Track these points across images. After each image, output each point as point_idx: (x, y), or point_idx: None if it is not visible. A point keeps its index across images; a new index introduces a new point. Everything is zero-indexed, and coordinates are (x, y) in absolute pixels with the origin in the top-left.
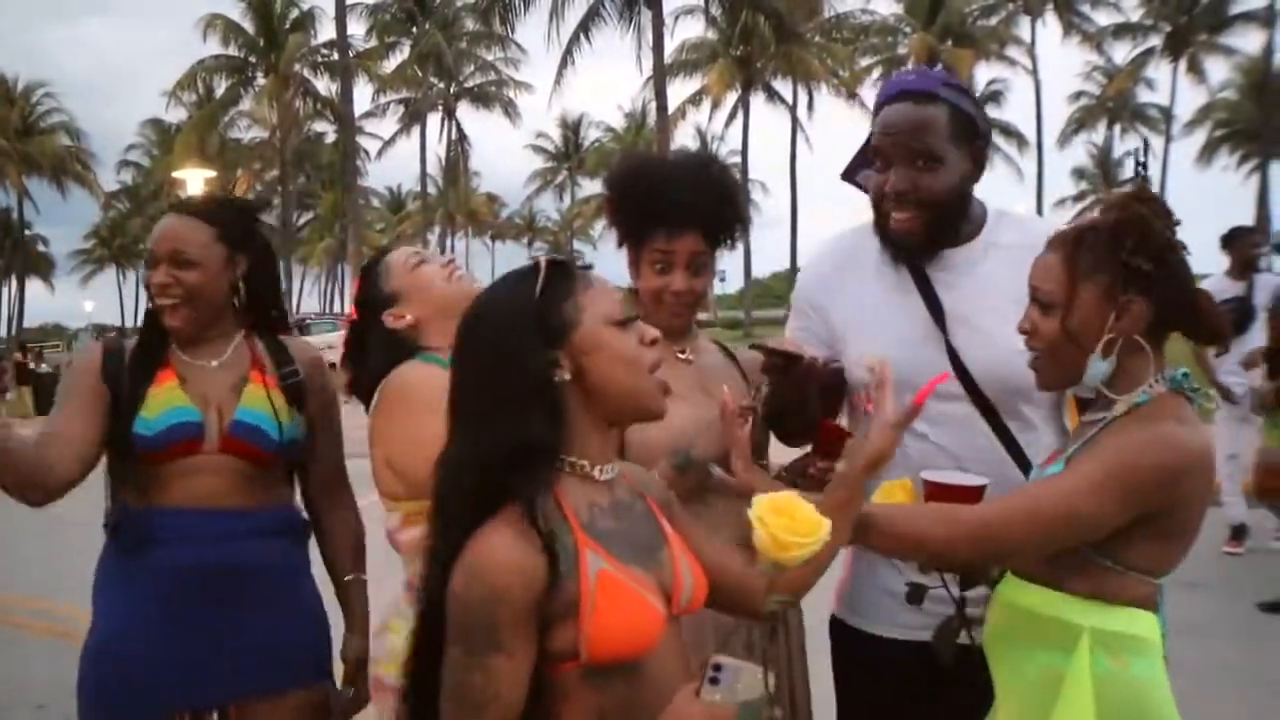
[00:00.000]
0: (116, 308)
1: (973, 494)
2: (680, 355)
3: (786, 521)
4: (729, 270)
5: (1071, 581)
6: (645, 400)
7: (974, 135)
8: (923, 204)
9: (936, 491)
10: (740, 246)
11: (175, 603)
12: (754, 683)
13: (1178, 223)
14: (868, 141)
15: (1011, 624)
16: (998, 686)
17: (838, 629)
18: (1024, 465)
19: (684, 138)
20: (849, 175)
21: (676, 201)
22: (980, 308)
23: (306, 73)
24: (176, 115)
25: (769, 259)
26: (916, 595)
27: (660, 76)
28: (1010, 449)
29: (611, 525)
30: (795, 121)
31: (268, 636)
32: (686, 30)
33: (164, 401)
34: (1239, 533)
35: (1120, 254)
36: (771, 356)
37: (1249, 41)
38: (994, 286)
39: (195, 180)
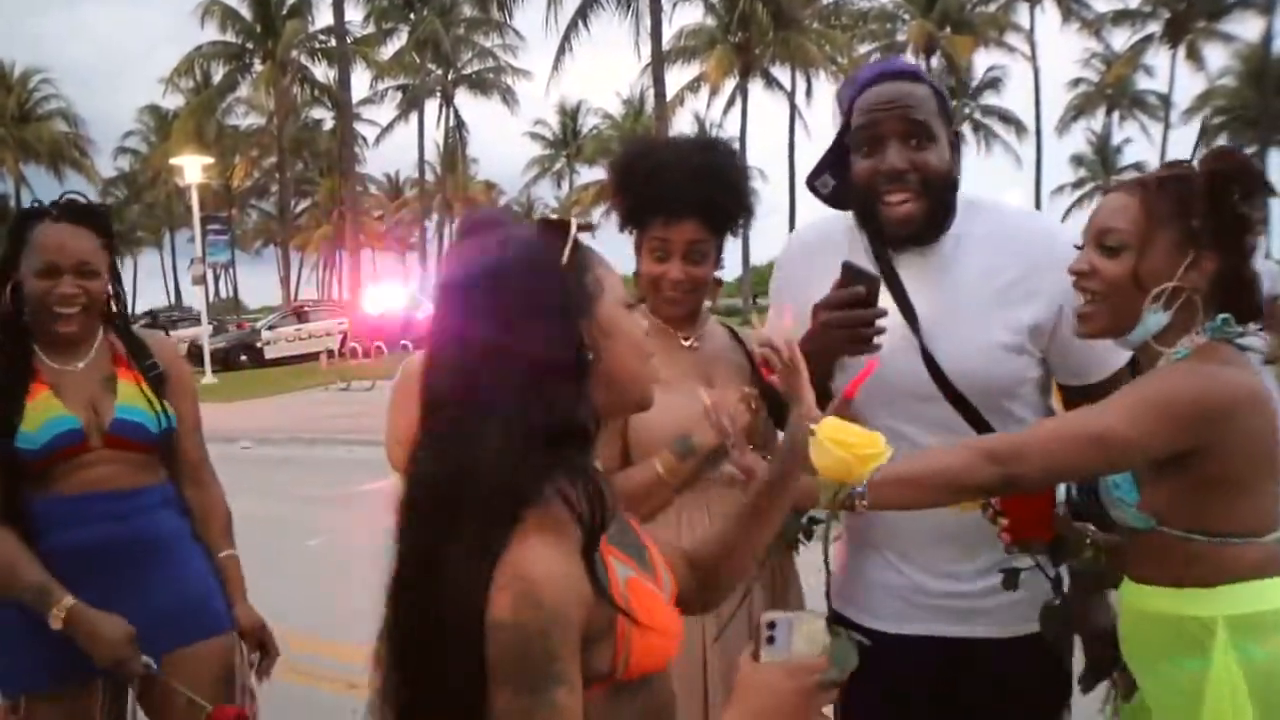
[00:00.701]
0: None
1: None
2: (685, 342)
3: (848, 438)
4: (727, 257)
5: (1183, 573)
6: (647, 390)
7: (950, 120)
8: (924, 183)
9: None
10: (740, 234)
11: (79, 580)
12: (815, 629)
13: (1275, 192)
14: (836, 142)
15: (1144, 632)
16: (1146, 698)
17: (835, 623)
18: None
19: (682, 124)
20: (814, 180)
21: (674, 189)
22: (954, 307)
23: (304, 59)
24: (174, 102)
25: (767, 246)
26: (1011, 580)
27: (658, 63)
28: None
29: (617, 529)
30: (793, 108)
31: (168, 597)
32: (684, 17)
33: (42, 413)
34: None
35: (1213, 203)
36: (856, 280)
37: (1248, 28)
38: (967, 283)
39: (193, 167)
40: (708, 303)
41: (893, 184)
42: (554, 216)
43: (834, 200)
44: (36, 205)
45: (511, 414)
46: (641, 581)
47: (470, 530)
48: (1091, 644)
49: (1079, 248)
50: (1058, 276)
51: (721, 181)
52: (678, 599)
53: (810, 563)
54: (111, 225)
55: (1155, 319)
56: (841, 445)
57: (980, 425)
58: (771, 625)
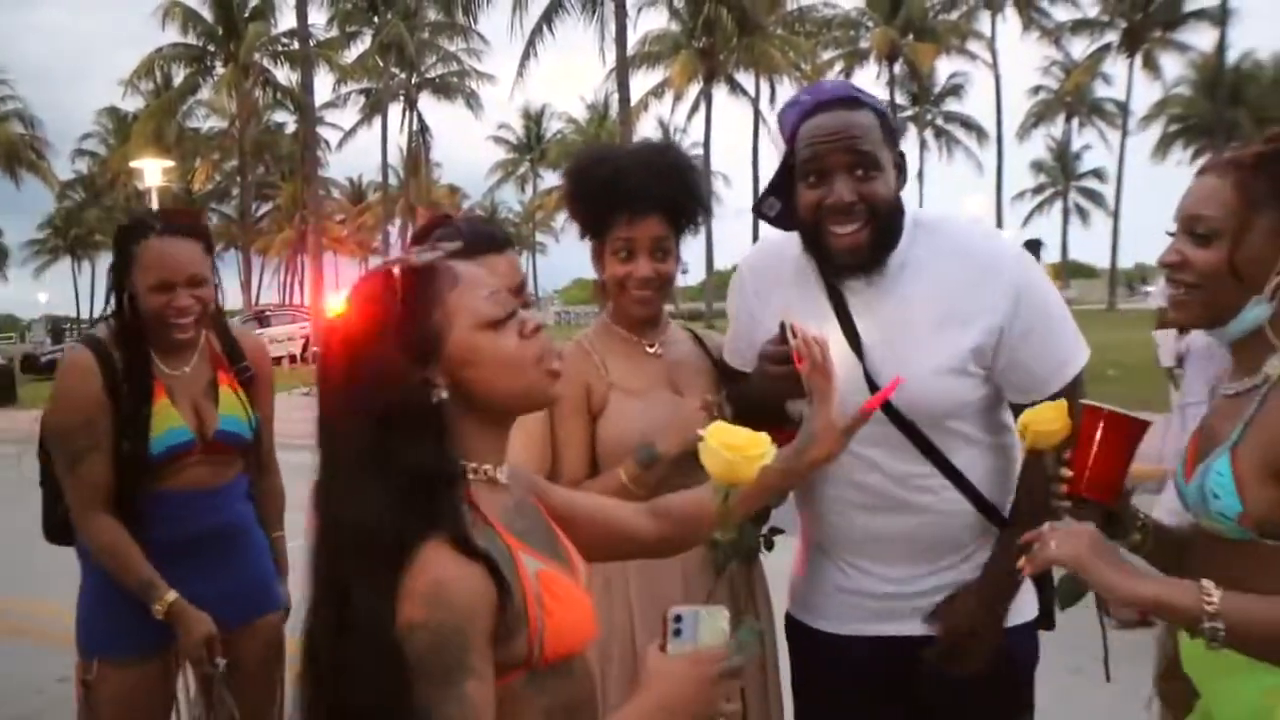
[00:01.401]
0: (71, 299)
1: (1141, 428)
2: (649, 349)
3: (735, 440)
4: (691, 262)
5: (1263, 580)
6: (534, 398)
7: (894, 142)
8: (870, 212)
9: (1112, 424)
10: (702, 238)
11: (174, 565)
12: (719, 622)
13: None
14: (782, 168)
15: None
16: (1213, 712)
17: (792, 628)
18: (963, 485)
19: (647, 129)
20: (761, 209)
21: (635, 187)
22: (897, 330)
23: (266, 62)
24: (133, 104)
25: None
26: (1067, 598)
27: (623, 68)
28: (945, 470)
29: (525, 524)
30: (757, 114)
31: (243, 578)
32: (649, 22)
33: (162, 421)
34: None
35: None
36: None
37: (1202, 38)
38: (911, 306)
39: (153, 170)
40: (669, 307)
41: (840, 215)
42: (398, 262)
43: (781, 222)
44: (139, 219)
45: (366, 482)
46: (552, 571)
47: (369, 563)
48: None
49: (1170, 235)
50: (999, 299)
51: (680, 178)
52: (643, 547)
53: (778, 570)
54: (210, 231)
55: (1259, 310)
56: (728, 448)
57: (924, 443)
58: (678, 619)
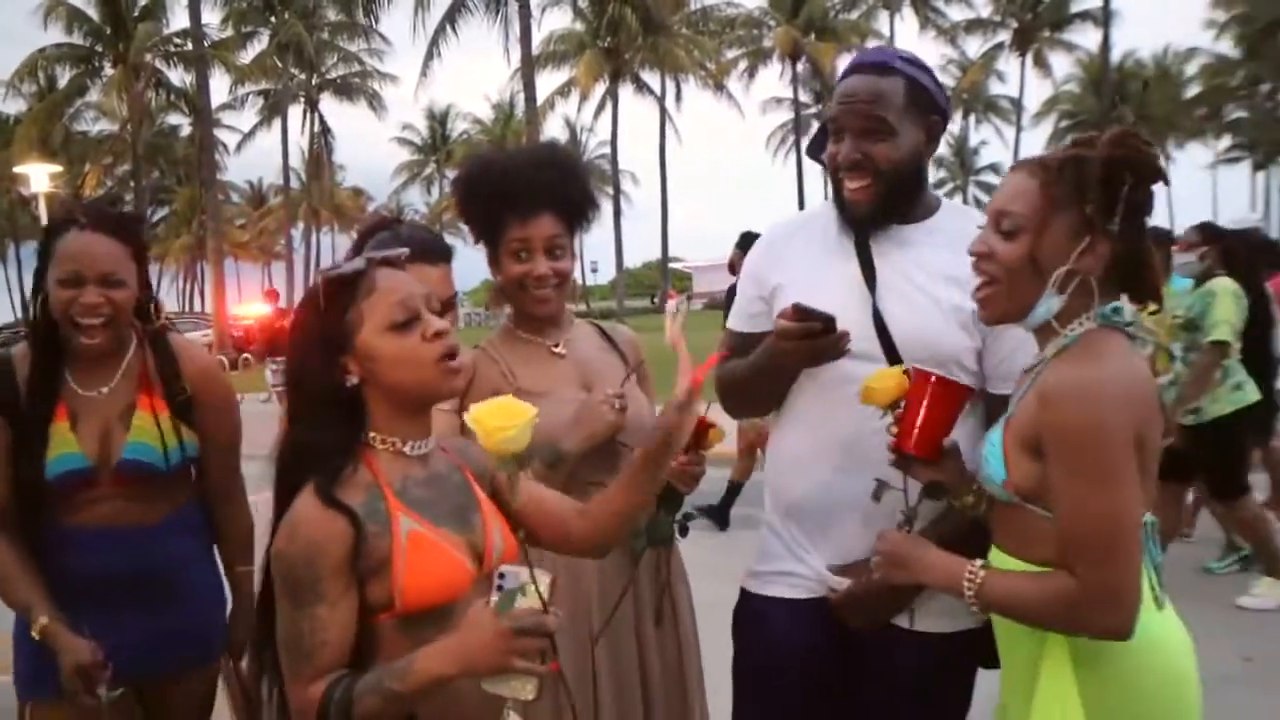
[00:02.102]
0: None
1: (964, 393)
2: (554, 349)
3: (497, 411)
4: (601, 261)
5: (1040, 550)
6: (433, 391)
7: (930, 109)
8: (875, 173)
9: (936, 386)
10: (611, 236)
11: (85, 604)
12: (540, 588)
13: (1165, 179)
14: (826, 120)
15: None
16: (1003, 671)
17: (742, 604)
18: None
19: (553, 129)
20: (813, 152)
21: (525, 187)
22: (912, 279)
23: (158, 63)
24: (15, 106)
25: (640, 249)
26: (878, 493)
27: (528, 68)
28: None
29: (424, 493)
30: (664, 112)
31: (169, 624)
32: (554, 22)
33: (57, 444)
34: None
35: (1108, 189)
36: (809, 319)
37: (1088, 38)
38: (929, 263)
39: (39, 175)
40: (580, 306)
41: (849, 171)
42: (322, 274)
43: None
44: (66, 214)
45: (295, 432)
46: (425, 534)
47: (279, 504)
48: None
49: (979, 228)
50: None
51: (569, 176)
52: (575, 546)
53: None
54: (143, 234)
55: (1052, 302)
56: (490, 428)
57: None
58: (501, 575)
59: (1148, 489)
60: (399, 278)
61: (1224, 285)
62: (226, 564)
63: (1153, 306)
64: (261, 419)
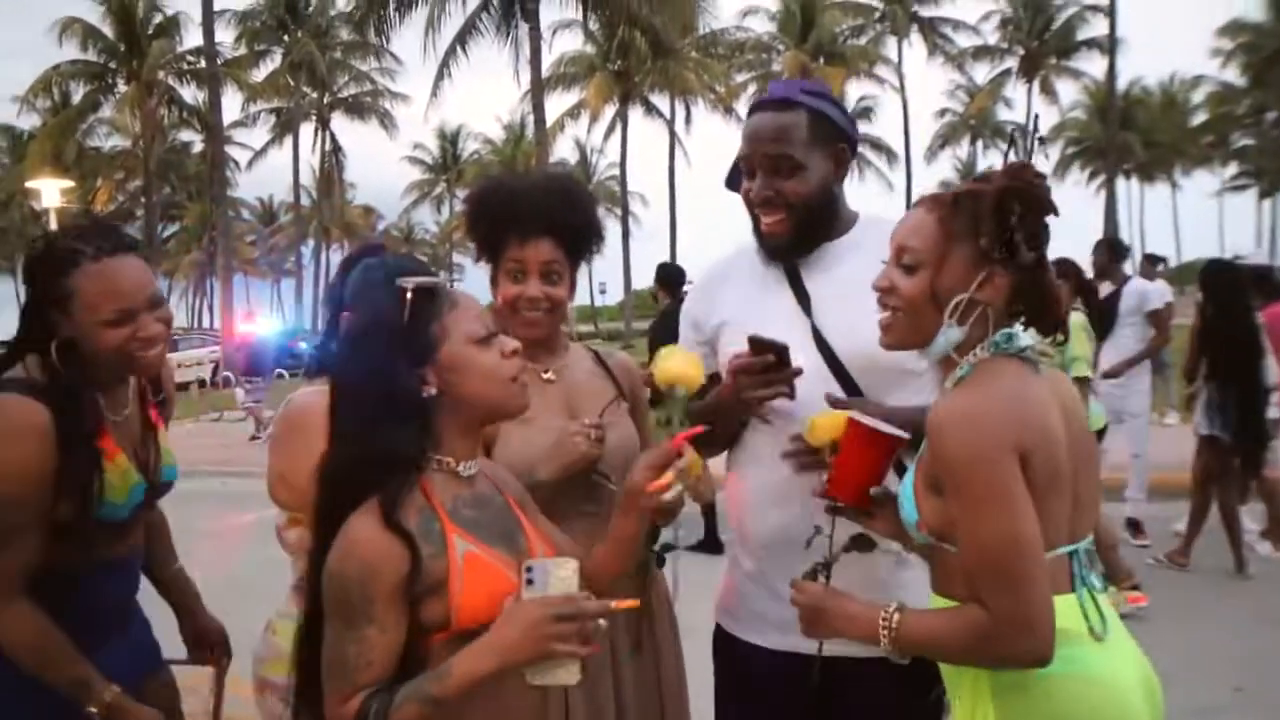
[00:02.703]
0: None
1: (890, 443)
2: (544, 376)
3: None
4: (609, 282)
5: (951, 585)
6: (507, 406)
7: (835, 137)
8: (787, 206)
9: (861, 434)
10: (620, 258)
11: (101, 636)
12: (567, 573)
13: (1054, 211)
14: (739, 158)
15: None
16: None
17: (719, 638)
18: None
19: (563, 150)
20: (731, 184)
21: (528, 209)
22: (844, 295)
23: (171, 80)
24: (29, 122)
25: (648, 271)
26: (811, 540)
27: (538, 90)
28: None
29: (474, 514)
30: (673, 135)
31: (137, 642)
32: (564, 44)
33: (122, 479)
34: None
35: (999, 221)
36: (763, 349)
37: (1094, 66)
38: (856, 277)
39: (50, 191)
40: (565, 328)
41: (761, 207)
42: (409, 284)
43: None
44: (62, 246)
45: (355, 446)
46: (480, 555)
47: (330, 523)
48: None
49: (883, 262)
50: None
51: (572, 204)
52: None
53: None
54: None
55: (951, 334)
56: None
57: (853, 391)
58: (529, 569)
59: (1075, 514)
60: (472, 297)
61: (1076, 321)
62: (162, 564)
63: (1060, 337)
64: (243, 438)
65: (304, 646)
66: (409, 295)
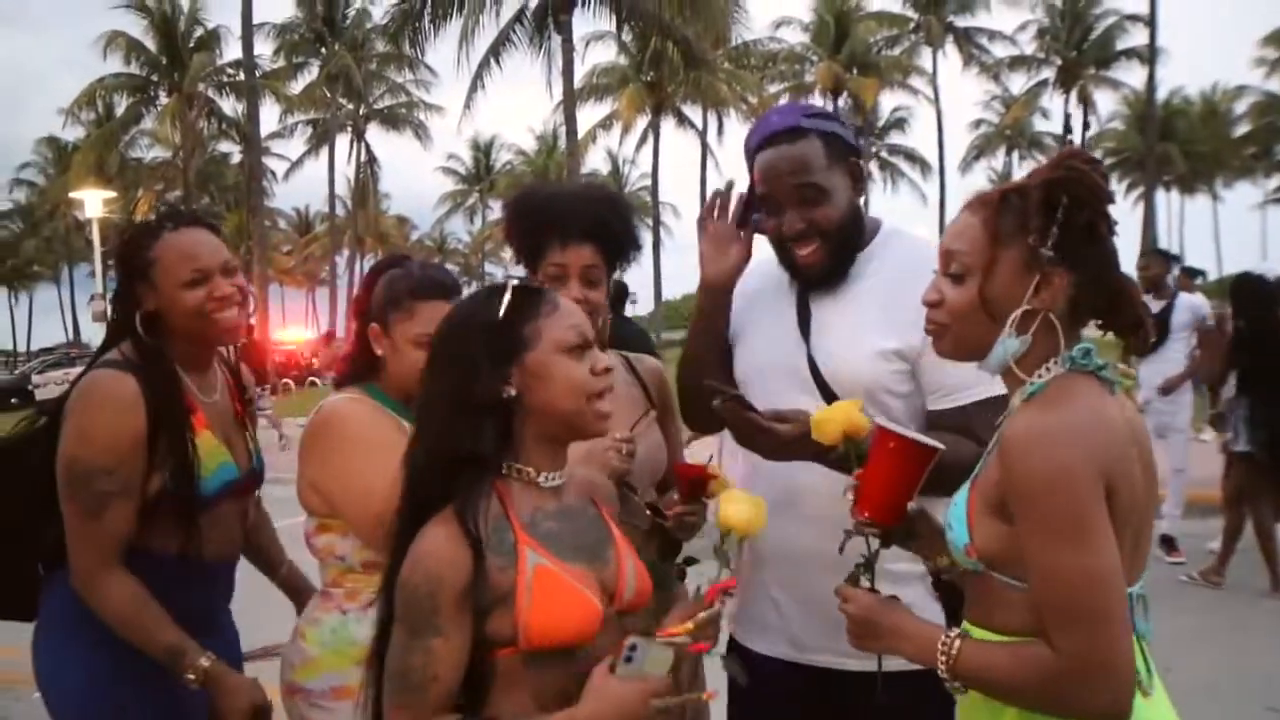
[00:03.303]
0: (8, 331)
1: (926, 454)
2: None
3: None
4: (640, 292)
5: (1003, 621)
6: (582, 426)
7: (847, 153)
8: (822, 234)
9: (892, 445)
10: (650, 269)
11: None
12: (662, 658)
13: (1110, 199)
14: (751, 189)
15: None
16: None
17: (731, 646)
18: None
19: (595, 161)
20: (742, 223)
21: (569, 214)
22: (846, 314)
23: (211, 92)
24: (74, 133)
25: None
26: (853, 577)
27: (570, 102)
28: None
29: (554, 527)
30: (705, 146)
31: (230, 651)
32: (597, 55)
33: (209, 455)
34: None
35: (1050, 217)
36: (721, 396)
37: (1133, 76)
38: (865, 296)
39: (93, 201)
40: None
41: (795, 241)
42: (509, 278)
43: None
44: (143, 225)
45: (436, 440)
46: (552, 570)
47: (408, 524)
48: None
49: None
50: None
51: (612, 210)
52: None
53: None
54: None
55: (1010, 345)
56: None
57: None
58: (632, 646)
59: (1134, 555)
60: (573, 306)
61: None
62: (277, 565)
63: (1153, 338)
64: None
65: (376, 657)
66: (509, 292)
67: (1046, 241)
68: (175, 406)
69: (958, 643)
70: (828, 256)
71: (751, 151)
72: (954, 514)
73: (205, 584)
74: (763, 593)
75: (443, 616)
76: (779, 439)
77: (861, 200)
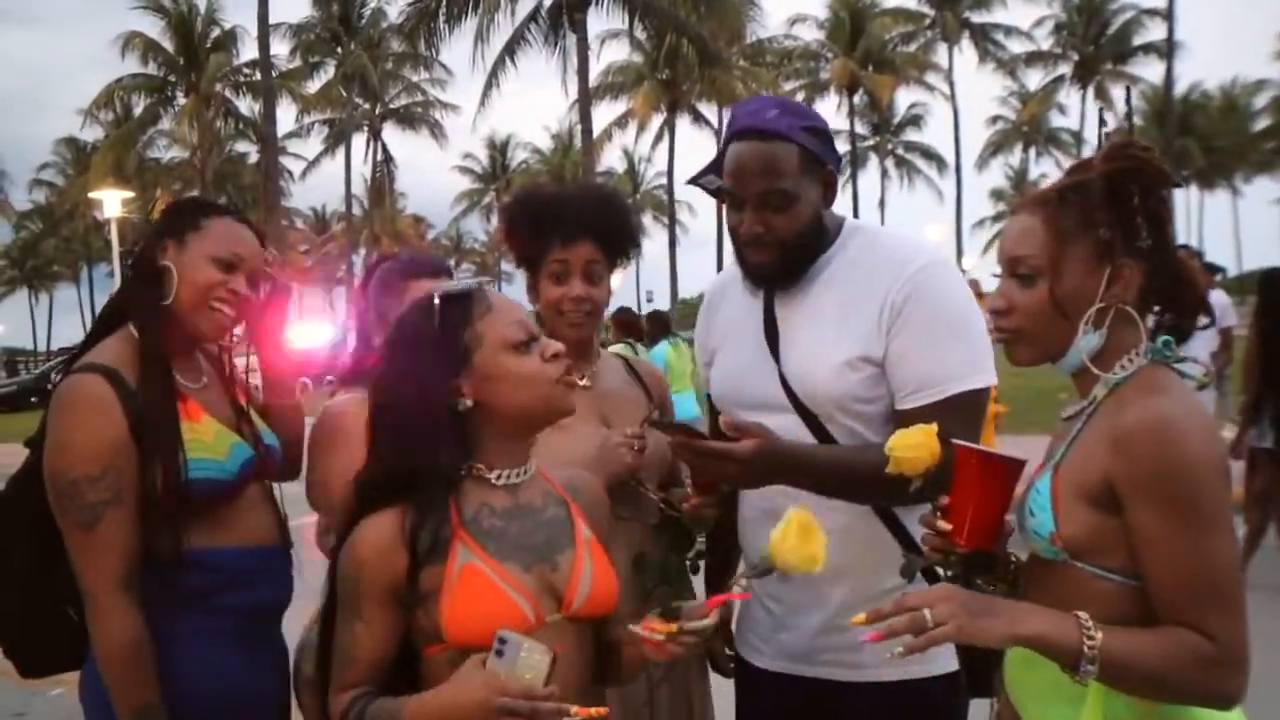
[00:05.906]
0: (28, 331)
1: (1017, 468)
2: (580, 382)
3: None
4: (656, 290)
5: (1079, 604)
6: (554, 410)
7: (823, 162)
8: (778, 243)
9: (984, 466)
10: (667, 267)
11: (238, 647)
12: (537, 660)
13: (1175, 183)
14: (720, 155)
15: (1027, 665)
16: None
17: (732, 655)
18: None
19: (611, 159)
20: (695, 180)
21: (569, 212)
22: (809, 323)
23: (228, 92)
24: (93, 134)
25: (695, 279)
26: (909, 569)
27: (585, 100)
28: None
29: (499, 524)
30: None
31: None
32: (612, 53)
33: (216, 437)
34: None
35: (1119, 208)
36: (673, 433)
37: (1151, 70)
38: (825, 299)
39: (112, 201)
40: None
41: (749, 244)
42: (439, 291)
43: (721, 195)
44: (208, 200)
45: (391, 456)
46: (480, 569)
47: (357, 510)
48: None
49: (996, 276)
50: (892, 294)
51: (612, 207)
52: (596, 669)
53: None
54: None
55: (1088, 341)
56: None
57: (821, 434)
58: (503, 640)
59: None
60: (509, 301)
61: None
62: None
63: (1204, 320)
64: None
65: (321, 640)
66: (437, 303)
67: (1124, 233)
68: (158, 391)
69: (1099, 632)
70: (779, 263)
71: (731, 133)
72: (1036, 502)
73: (266, 574)
74: (757, 604)
75: (365, 603)
76: (739, 461)
77: (829, 208)
